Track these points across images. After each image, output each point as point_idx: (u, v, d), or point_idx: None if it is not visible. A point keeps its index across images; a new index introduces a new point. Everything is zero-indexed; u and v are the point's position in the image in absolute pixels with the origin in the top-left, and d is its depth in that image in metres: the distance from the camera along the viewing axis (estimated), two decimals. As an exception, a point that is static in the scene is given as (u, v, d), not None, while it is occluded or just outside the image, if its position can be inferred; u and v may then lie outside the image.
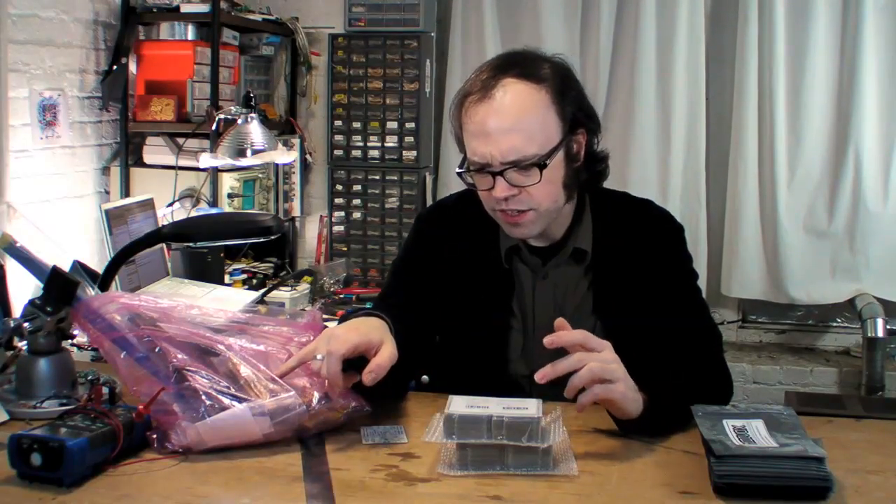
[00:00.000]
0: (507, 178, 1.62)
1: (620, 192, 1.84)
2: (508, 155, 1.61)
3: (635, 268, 1.73)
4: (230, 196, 3.45)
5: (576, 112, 1.67)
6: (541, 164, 1.62)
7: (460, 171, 1.69)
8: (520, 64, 1.66)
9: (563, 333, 1.45)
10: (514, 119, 1.61)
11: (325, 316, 2.97)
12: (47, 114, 3.11)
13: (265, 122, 3.30)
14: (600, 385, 1.43)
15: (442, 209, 1.91)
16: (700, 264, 3.57)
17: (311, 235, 4.11)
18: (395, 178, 3.89)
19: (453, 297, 1.77)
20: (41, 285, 1.60)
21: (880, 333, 3.51)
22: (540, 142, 1.62)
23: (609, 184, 1.82)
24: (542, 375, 1.41)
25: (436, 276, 1.79)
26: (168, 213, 3.28)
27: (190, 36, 3.47)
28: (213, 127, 3.23)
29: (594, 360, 1.43)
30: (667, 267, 1.75)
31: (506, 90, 1.62)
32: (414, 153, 3.87)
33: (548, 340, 1.44)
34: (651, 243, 1.75)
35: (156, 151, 3.50)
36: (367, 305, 3.41)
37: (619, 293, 1.72)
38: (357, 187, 3.93)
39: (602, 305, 1.73)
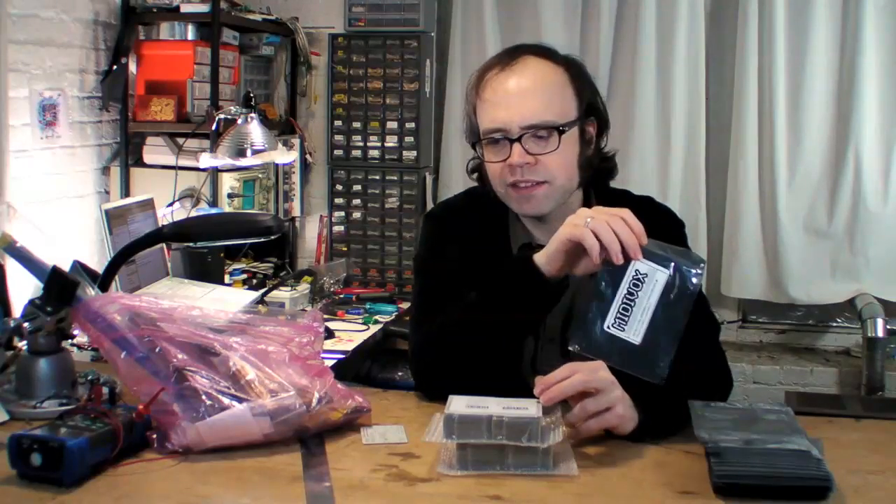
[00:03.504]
0: (524, 146, 1.64)
1: (621, 190, 1.85)
2: (527, 119, 1.64)
3: None
4: (230, 196, 3.45)
5: (591, 100, 1.71)
6: (560, 129, 1.65)
7: (474, 141, 1.71)
8: (537, 48, 1.72)
9: (556, 388, 1.42)
10: (533, 85, 1.66)
11: (325, 316, 2.99)
12: (47, 114, 3.11)
13: (265, 122, 3.30)
14: (595, 420, 1.45)
15: (450, 208, 1.89)
16: (700, 264, 3.57)
17: (311, 235, 4.11)
18: (395, 178, 3.89)
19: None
20: (41, 285, 1.60)
21: (880, 333, 3.51)
22: (557, 111, 1.66)
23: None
24: (547, 400, 1.41)
25: (455, 273, 1.74)
26: (168, 213, 3.28)
27: (190, 36, 3.47)
28: (213, 127, 3.23)
29: (585, 382, 1.43)
30: None
31: (526, 63, 1.68)
32: (414, 153, 3.86)
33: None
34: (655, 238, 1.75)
35: (156, 151, 3.50)
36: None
37: None
38: (357, 187, 3.93)
39: None
